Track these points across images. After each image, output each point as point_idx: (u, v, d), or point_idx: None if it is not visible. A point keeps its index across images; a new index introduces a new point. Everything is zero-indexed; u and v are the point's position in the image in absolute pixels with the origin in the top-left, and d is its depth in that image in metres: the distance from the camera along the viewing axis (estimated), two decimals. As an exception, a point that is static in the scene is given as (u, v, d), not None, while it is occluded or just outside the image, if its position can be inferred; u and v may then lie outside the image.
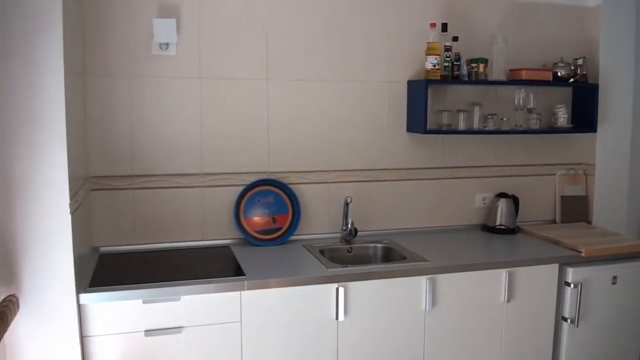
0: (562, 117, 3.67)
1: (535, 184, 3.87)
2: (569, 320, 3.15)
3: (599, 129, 3.71)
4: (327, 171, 3.45)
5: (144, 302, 2.54)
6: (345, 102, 3.43)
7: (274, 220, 3.32)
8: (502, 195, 3.66)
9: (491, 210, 3.68)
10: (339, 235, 3.43)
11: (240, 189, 3.27)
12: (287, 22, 3.28)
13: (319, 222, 3.46)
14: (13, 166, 2.25)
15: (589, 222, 3.88)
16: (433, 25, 3.35)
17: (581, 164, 3.94)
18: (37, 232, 2.30)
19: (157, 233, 3.20)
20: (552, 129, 3.71)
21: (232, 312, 2.66)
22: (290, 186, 3.35)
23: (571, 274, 3.12)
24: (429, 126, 3.44)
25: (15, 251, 2.28)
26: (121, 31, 3.03)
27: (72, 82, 2.50)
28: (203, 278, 2.65)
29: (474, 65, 3.46)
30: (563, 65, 3.64)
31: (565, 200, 3.90)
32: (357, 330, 2.85)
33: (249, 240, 3.27)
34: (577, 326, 3.14)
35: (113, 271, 2.79)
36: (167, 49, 3.09)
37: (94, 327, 2.49)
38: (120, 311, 2.52)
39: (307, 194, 3.42)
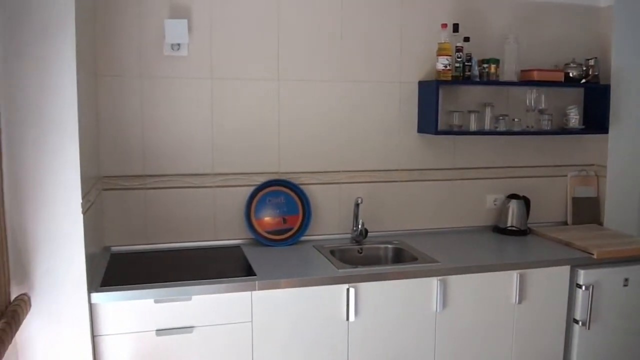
0: (574, 118, 3.65)
1: (546, 185, 3.86)
2: (580, 323, 3.13)
3: (610, 130, 3.69)
4: (338, 172, 3.45)
5: (155, 301, 2.54)
6: (355, 103, 3.43)
7: (285, 220, 3.32)
8: (513, 196, 3.65)
9: (502, 211, 3.67)
10: (349, 235, 3.43)
11: (251, 189, 3.28)
12: (298, 22, 3.29)
13: (330, 223, 3.46)
14: (25, 166, 2.26)
15: (601, 224, 3.86)
16: (444, 25, 3.34)
17: (592, 165, 3.92)
18: (48, 232, 2.31)
19: (168, 233, 3.21)
20: (564, 130, 3.70)
21: (243, 312, 2.66)
22: (301, 186, 3.35)
23: (582, 275, 3.10)
24: (440, 127, 3.43)
25: (27, 250, 2.29)
26: (133, 32, 3.05)
27: (84, 82, 2.51)
28: (214, 278, 2.66)
29: (485, 65, 3.45)
30: (575, 65, 3.63)
31: (577, 201, 3.88)
32: (368, 331, 2.85)
33: (259, 240, 3.27)
34: (589, 328, 3.13)
35: (124, 271, 2.80)
36: (178, 49, 3.10)
37: (105, 326, 2.50)
38: (131, 311, 2.53)
39: (317, 194, 3.42)
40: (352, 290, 2.77)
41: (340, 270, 2.83)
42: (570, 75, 3.62)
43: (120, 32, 3.03)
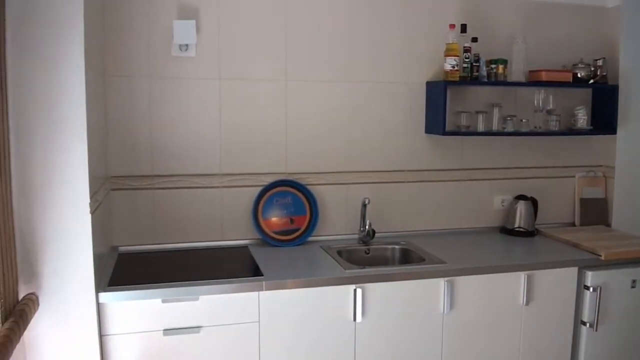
0: (582, 118, 3.64)
1: (554, 186, 3.85)
2: (587, 324, 3.12)
3: (618, 130, 3.68)
4: (345, 172, 3.44)
5: (163, 301, 2.55)
6: (361, 104, 3.43)
7: (292, 221, 3.32)
8: (520, 197, 3.64)
9: (510, 212, 3.66)
10: (356, 236, 3.42)
11: (259, 189, 3.28)
12: (306, 23, 3.29)
13: (337, 223, 3.46)
14: (33, 166, 2.26)
15: (609, 225, 3.84)
16: (452, 26, 3.33)
17: (600, 166, 3.91)
18: (56, 231, 2.32)
19: (176, 233, 3.21)
20: (572, 131, 3.69)
21: (250, 312, 2.66)
22: (308, 187, 3.35)
23: (590, 277, 3.09)
24: (448, 127, 3.42)
25: (35, 250, 2.30)
26: (141, 32, 3.05)
27: (92, 82, 2.52)
28: (221, 278, 2.66)
29: (493, 66, 3.44)
30: (583, 66, 3.62)
31: (585, 202, 3.87)
32: (375, 332, 2.85)
33: (267, 240, 3.27)
34: (596, 330, 3.12)
35: (132, 270, 2.80)
36: (186, 50, 3.10)
37: (113, 325, 2.51)
38: (139, 310, 2.53)
39: (325, 195, 3.41)
40: (359, 291, 2.77)
41: (347, 271, 2.83)
42: (579, 75, 3.60)
43: (128, 32, 3.03)
